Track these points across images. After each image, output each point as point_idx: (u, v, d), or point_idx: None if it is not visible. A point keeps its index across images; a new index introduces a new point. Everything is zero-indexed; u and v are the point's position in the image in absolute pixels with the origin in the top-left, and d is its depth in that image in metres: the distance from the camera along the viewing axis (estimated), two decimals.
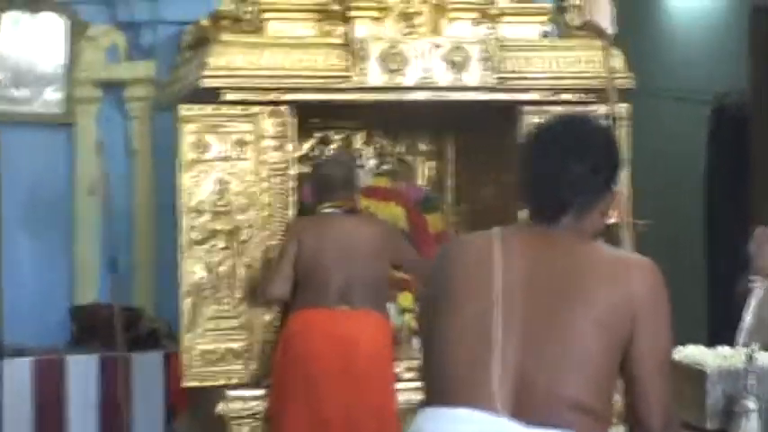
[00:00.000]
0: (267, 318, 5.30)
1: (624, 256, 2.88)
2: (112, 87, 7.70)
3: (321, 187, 5.33)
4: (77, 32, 7.48)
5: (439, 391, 2.68)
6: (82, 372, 6.97)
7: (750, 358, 4.25)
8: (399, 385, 5.14)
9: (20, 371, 6.93)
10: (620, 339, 2.61)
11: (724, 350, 4.55)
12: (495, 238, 2.71)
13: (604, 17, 4.81)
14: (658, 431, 2.67)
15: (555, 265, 2.66)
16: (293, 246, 5.11)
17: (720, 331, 4.94)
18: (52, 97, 7.50)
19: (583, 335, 2.59)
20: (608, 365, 2.63)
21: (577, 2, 5.59)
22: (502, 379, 2.59)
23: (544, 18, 5.56)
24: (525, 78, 5.30)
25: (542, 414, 2.56)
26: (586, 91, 5.44)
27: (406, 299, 5.88)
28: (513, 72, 5.30)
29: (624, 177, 5.43)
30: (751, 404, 4.19)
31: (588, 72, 5.40)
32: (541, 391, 2.58)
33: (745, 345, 4.50)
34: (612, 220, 5.21)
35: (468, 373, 2.62)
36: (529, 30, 5.50)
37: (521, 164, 2.78)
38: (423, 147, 6.27)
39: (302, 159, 5.83)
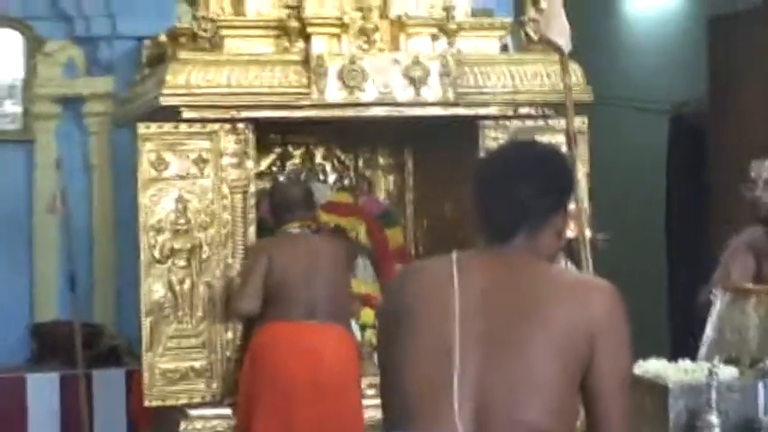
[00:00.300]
0: (229, 335, 5.29)
1: (583, 278, 2.89)
2: (71, 103, 7.68)
3: (281, 208, 5.36)
4: (34, 48, 7.47)
5: (400, 416, 2.66)
6: (42, 389, 6.95)
7: (711, 373, 4.27)
8: (363, 401, 5.15)
9: None
10: (579, 361, 2.60)
11: (686, 364, 4.57)
12: (452, 262, 2.70)
13: (560, 34, 4.80)
14: None
15: (513, 288, 2.66)
16: (263, 262, 5.14)
17: (682, 343, 4.95)
18: (10, 113, 7.47)
19: (541, 358, 2.58)
20: (567, 388, 2.62)
21: (536, 16, 5.62)
22: (462, 405, 2.57)
23: (503, 32, 5.57)
24: (484, 93, 5.32)
25: None
26: (545, 105, 5.46)
27: (367, 315, 5.88)
28: (472, 87, 5.31)
29: (583, 190, 5.47)
30: (713, 419, 4.21)
31: (547, 86, 5.42)
32: (502, 417, 2.58)
33: (708, 359, 4.52)
34: (571, 235, 5.23)
35: (429, 398, 2.61)
36: (488, 44, 5.52)
37: (471, 188, 2.79)
38: (382, 161, 6.28)
39: (262, 175, 5.82)
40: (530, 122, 5.43)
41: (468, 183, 2.77)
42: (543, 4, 5.34)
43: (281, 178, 6.00)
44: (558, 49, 4.80)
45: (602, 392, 2.65)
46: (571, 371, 2.61)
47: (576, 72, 5.46)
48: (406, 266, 3.27)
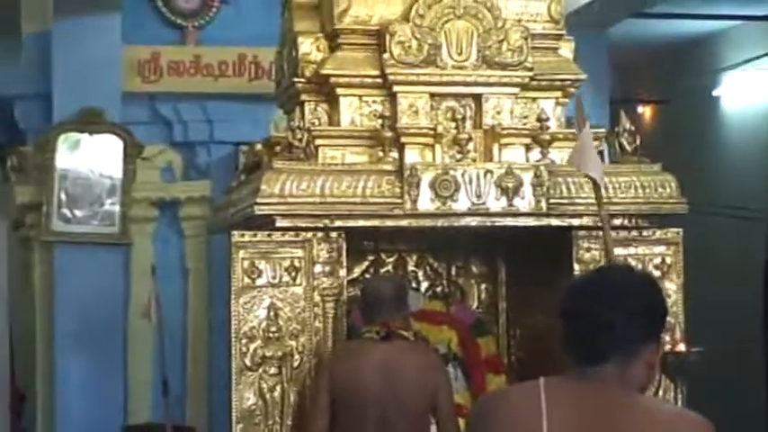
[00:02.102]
0: None
1: (677, 416, 2.77)
2: (168, 206, 7.81)
3: (368, 305, 5.08)
4: (133, 153, 7.61)
5: None
6: None
7: None
8: None
9: None
10: None
11: None
12: (540, 391, 2.64)
13: (594, 168, 4.83)
14: None
15: (605, 424, 2.59)
16: (324, 378, 4.91)
17: None
18: (108, 214, 7.59)
19: None
20: None
21: (630, 125, 5.61)
22: None
23: (597, 143, 5.55)
24: (577, 204, 5.29)
25: None
26: (639, 216, 5.43)
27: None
28: (565, 197, 5.29)
29: (680, 301, 5.42)
30: None
31: (641, 197, 5.39)
32: None
33: None
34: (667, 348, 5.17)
35: None
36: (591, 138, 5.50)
37: (560, 311, 2.74)
38: (475, 269, 6.26)
39: (354, 282, 5.83)
40: (623, 233, 5.38)
41: (557, 302, 2.75)
42: (636, 116, 5.37)
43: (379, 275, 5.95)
44: (593, 181, 4.83)
45: None
46: None
47: (670, 182, 5.44)
48: (492, 393, 3.18)
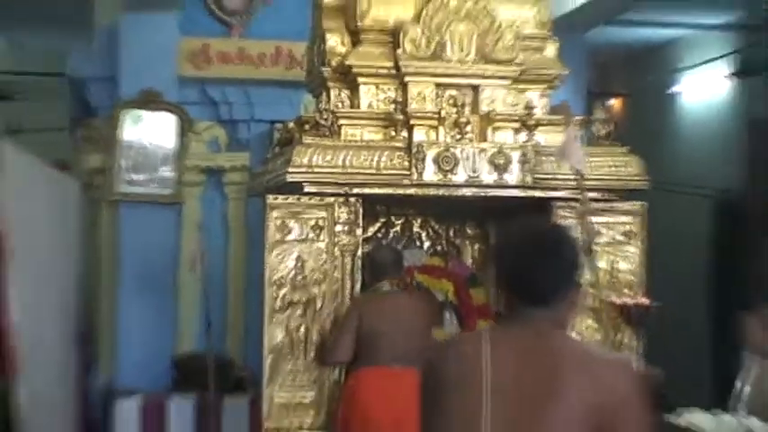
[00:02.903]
0: (335, 375, 5.29)
1: (603, 355, 2.76)
2: (213, 173, 7.79)
3: (376, 267, 5.38)
4: (185, 128, 7.61)
5: None
6: (180, 411, 7.03)
7: (742, 425, 4.18)
8: None
9: (129, 410, 7.00)
10: (600, 430, 2.50)
11: (724, 417, 4.48)
12: (483, 340, 2.61)
13: (577, 160, 4.86)
14: None
15: (539, 366, 2.54)
16: (355, 319, 5.12)
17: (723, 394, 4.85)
18: (165, 179, 7.61)
19: (565, 427, 2.48)
20: None
21: (603, 114, 5.60)
22: None
23: (576, 128, 5.54)
24: (557, 179, 5.28)
25: None
26: (609, 190, 5.43)
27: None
28: (548, 173, 5.28)
29: (643, 262, 5.42)
30: None
31: (611, 175, 5.39)
32: None
33: (739, 411, 4.44)
34: (629, 302, 5.18)
35: None
36: (561, 137, 5.49)
37: (498, 261, 2.72)
38: (469, 231, 6.24)
39: (368, 240, 5.83)
40: (596, 205, 5.37)
41: (498, 254, 2.74)
42: (609, 107, 5.36)
43: (381, 243, 6.00)
44: (577, 171, 4.83)
45: None
46: None
47: (636, 163, 5.44)
48: (445, 341, 3.15)
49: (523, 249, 2.71)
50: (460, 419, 2.57)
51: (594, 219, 5.32)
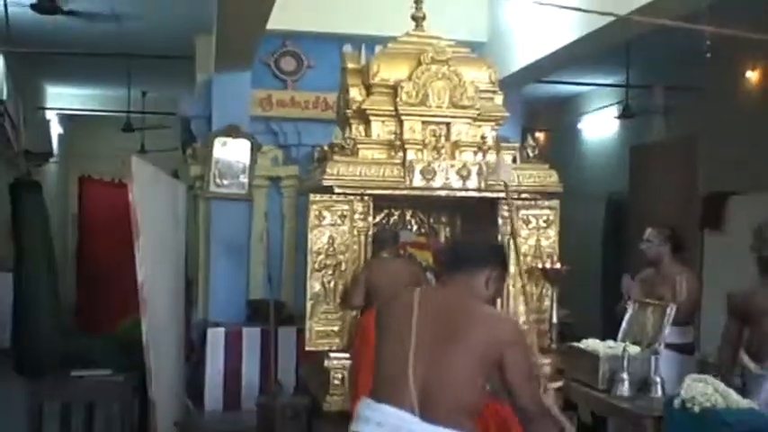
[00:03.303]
0: (353, 313, 5.28)
1: (494, 313, 2.72)
2: (274, 180, 7.78)
3: (380, 242, 5.33)
4: (255, 149, 7.60)
5: (378, 390, 2.59)
6: (251, 337, 7.03)
7: (625, 349, 4.17)
8: None
9: (217, 336, 7.01)
10: (491, 365, 2.50)
11: (609, 343, 4.47)
12: (415, 295, 2.60)
13: (505, 174, 4.85)
14: (533, 414, 2.55)
15: (449, 317, 2.54)
16: (365, 274, 5.10)
17: (610, 330, 4.84)
18: (241, 185, 7.59)
19: (462, 362, 2.48)
20: (479, 380, 2.52)
21: (532, 142, 5.57)
22: (413, 389, 2.48)
23: (513, 151, 5.53)
24: (500, 186, 5.23)
25: (439, 414, 2.46)
26: (536, 193, 5.40)
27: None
28: (494, 182, 5.23)
29: (556, 242, 5.39)
30: (624, 376, 4.11)
31: (536, 183, 5.36)
32: (438, 399, 2.47)
33: (623, 341, 4.43)
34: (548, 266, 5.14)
35: (395, 381, 2.52)
36: (505, 157, 5.46)
37: (448, 249, 2.79)
38: (443, 219, 6.23)
39: (376, 225, 5.81)
40: (527, 203, 5.35)
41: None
42: (536, 138, 5.31)
43: (384, 226, 5.98)
44: (504, 183, 4.78)
45: (514, 383, 2.53)
46: (486, 370, 2.51)
47: (554, 175, 5.40)
48: (392, 295, 3.20)
49: (458, 240, 2.82)
50: (396, 350, 2.55)
51: (524, 211, 5.31)
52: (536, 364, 3.84)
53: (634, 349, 4.21)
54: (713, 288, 5.88)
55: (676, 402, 3.58)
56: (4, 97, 8.69)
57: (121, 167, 4.98)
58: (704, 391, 3.50)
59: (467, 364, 2.47)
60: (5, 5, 6.54)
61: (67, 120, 13.94)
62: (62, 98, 13.20)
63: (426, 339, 2.51)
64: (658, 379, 4.07)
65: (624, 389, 4.05)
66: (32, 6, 7.40)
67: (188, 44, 8.31)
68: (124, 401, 5.27)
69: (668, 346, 4.42)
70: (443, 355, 2.48)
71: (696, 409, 3.47)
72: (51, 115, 12.95)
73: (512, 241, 4.92)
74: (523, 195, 5.31)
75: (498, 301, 5.15)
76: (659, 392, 4.03)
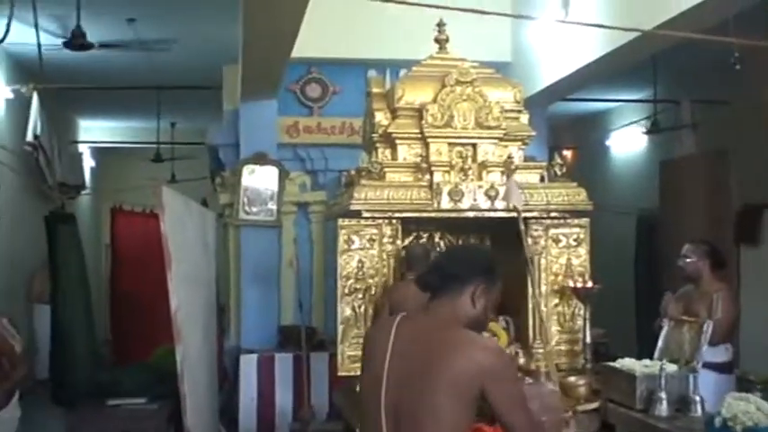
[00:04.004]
0: None
1: (477, 339, 2.43)
2: (302, 205, 7.81)
3: (411, 260, 5.20)
4: (283, 176, 7.64)
5: (360, 426, 2.59)
6: (283, 363, 7.02)
7: (662, 368, 4.10)
8: None
9: (250, 363, 7.01)
10: (472, 399, 2.33)
11: (646, 362, 4.40)
12: (395, 324, 2.50)
13: (516, 200, 4.76)
14: None
15: (425, 346, 2.40)
16: (387, 298, 5.01)
17: (646, 347, 4.76)
18: (270, 211, 7.63)
19: (439, 397, 2.31)
20: (459, 412, 2.31)
21: (560, 161, 5.52)
22: (385, 426, 2.38)
23: (541, 170, 5.48)
24: (530, 205, 5.20)
25: None
26: (564, 211, 5.33)
27: None
28: (524, 202, 5.18)
29: (587, 261, 5.32)
30: (662, 395, 4.03)
31: (565, 201, 5.29)
32: (409, 427, 2.35)
33: (659, 359, 4.35)
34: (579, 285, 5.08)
35: (368, 418, 2.44)
36: (532, 177, 5.42)
37: (431, 266, 2.63)
38: (472, 240, 6.16)
39: (405, 248, 5.76)
40: (556, 221, 5.29)
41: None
42: (563, 156, 5.27)
43: (417, 241, 5.93)
44: (515, 208, 4.72)
45: (503, 415, 2.35)
46: (467, 405, 2.32)
47: (582, 193, 5.34)
48: (375, 324, 2.96)
49: (435, 261, 2.66)
50: (372, 376, 2.48)
51: (554, 230, 5.26)
52: (555, 392, 3.74)
53: (671, 367, 4.12)
54: (751, 304, 5.77)
55: (717, 421, 3.50)
56: (39, 132, 8.86)
57: (152, 197, 5.02)
58: (746, 409, 3.41)
59: (443, 401, 2.28)
60: (39, 45, 6.70)
61: (99, 152, 14.18)
62: (94, 131, 13.44)
63: (399, 373, 2.37)
64: (698, 398, 3.98)
65: (662, 408, 3.96)
66: (65, 44, 7.56)
67: (216, 75, 8.43)
68: (159, 429, 5.30)
69: (705, 365, 4.32)
70: (415, 389, 2.33)
71: (738, 428, 3.38)
72: (84, 148, 13.18)
73: (530, 263, 4.87)
74: (552, 214, 5.25)
75: (530, 322, 5.12)
76: (699, 412, 3.94)
